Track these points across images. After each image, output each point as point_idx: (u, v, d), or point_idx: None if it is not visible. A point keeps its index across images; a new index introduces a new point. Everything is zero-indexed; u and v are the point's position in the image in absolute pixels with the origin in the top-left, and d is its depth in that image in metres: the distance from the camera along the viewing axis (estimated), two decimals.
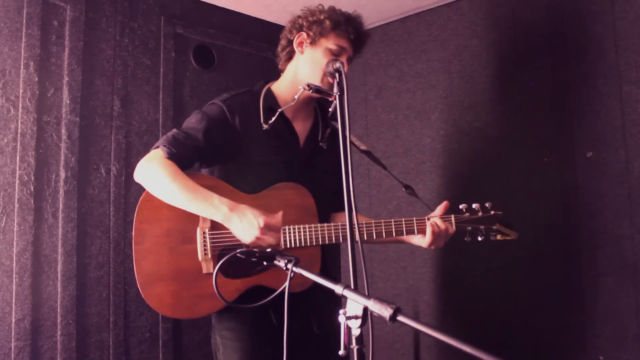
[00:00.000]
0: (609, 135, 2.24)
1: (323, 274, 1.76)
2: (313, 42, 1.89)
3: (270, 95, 1.95)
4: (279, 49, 2.03)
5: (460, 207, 1.92)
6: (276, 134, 1.89)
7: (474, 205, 1.94)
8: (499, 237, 1.97)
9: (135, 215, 1.78)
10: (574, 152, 2.33)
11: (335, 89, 1.62)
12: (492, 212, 1.94)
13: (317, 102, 2.03)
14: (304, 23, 1.91)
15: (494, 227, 1.94)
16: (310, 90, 1.77)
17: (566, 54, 2.38)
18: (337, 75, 1.66)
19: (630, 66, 2.19)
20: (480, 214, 1.94)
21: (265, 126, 1.86)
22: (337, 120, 2.03)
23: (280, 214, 1.70)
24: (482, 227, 1.94)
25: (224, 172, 1.88)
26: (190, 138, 1.78)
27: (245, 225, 1.66)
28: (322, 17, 1.88)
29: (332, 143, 1.99)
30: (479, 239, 1.95)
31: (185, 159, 1.77)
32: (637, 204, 2.15)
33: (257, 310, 1.73)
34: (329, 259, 1.93)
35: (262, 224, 1.63)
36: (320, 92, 1.78)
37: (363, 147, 2.00)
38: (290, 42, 1.97)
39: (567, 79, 2.37)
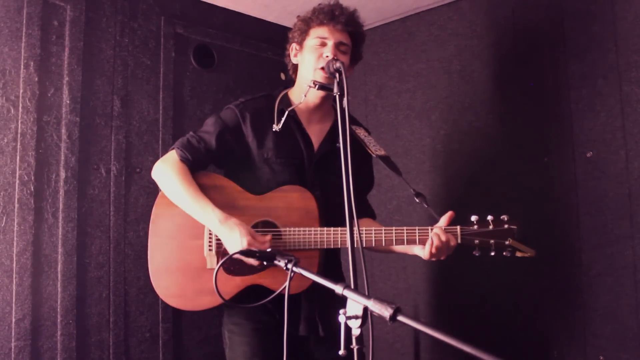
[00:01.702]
0: (609, 135, 2.24)
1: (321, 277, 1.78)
2: (301, 47, 1.97)
3: (285, 98, 2.00)
4: (287, 64, 2.09)
5: (472, 218, 1.79)
6: (287, 137, 1.93)
7: (488, 217, 1.78)
8: (518, 254, 1.78)
9: (152, 210, 1.92)
10: (574, 152, 2.33)
11: (335, 89, 1.63)
12: (506, 226, 1.77)
13: (335, 103, 2.03)
14: (291, 35, 2.01)
15: (506, 243, 1.76)
16: (316, 87, 1.80)
17: (566, 54, 2.38)
18: (337, 75, 1.67)
19: (630, 66, 2.19)
20: (491, 227, 1.77)
21: (276, 128, 1.90)
22: (356, 124, 2.06)
23: (267, 238, 1.78)
24: (492, 241, 1.77)
25: (235, 173, 1.96)
26: (204, 141, 1.90)
27: (231, 240, 1.75)
28: (299, 23, 1.97)
29: (351, 147, 1.96)
30: (492, 254, 1.78)
31: (198, 161, 1.89)
32: (637, 204, 2.15)
33: (262, 308, 1.82)
34: (329, 263, 1.91)
35: (245, 245, 1.72)
36: (325, 88, 1.81)
37: (379, 152, 1.95)
38: (289, 56, 2.05)
39: (567, 79, 2.37)
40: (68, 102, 2.36)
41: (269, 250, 1.47)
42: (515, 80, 2.55)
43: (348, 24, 1.91)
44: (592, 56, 2.30)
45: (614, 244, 2.20)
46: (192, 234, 1.87)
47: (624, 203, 2.18)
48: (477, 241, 1.77)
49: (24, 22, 2.27)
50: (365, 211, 2.08)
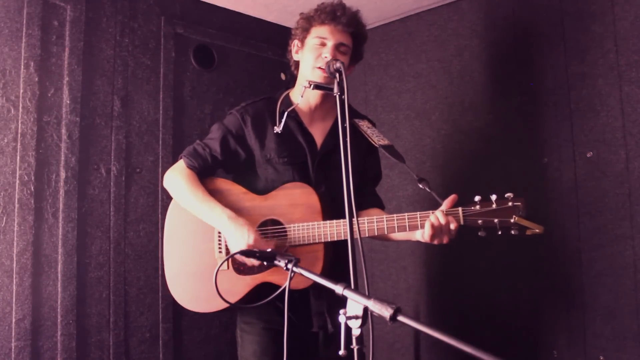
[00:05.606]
0: (609, 135, 2.24)
1: (327, 271, 1.79)
2: (302, 45, 1.99)
3: (287, 100, 2.01)
4: (289, 60, 2.09)
5: (475, 198, 1.74)
6: (289, 137, 1.95)
7: (492, 196, 1.73)
8: (527, 232, 1.71)
9: (166, 217, 2.00)
10: (574, 152, 2.33)
11: (336, 89, 1.63)
12: (511, 204, 1.71)
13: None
14: (294, 32, 2.02)
15: (512, 221, 1.70)
16: (311, 87, 1.80)
17: (566, 54, 2.38)
18: (337, 75, 1.67)
19: (630, 66, 2.19)
20: (494, 206, 1.71)
21: (277, 129, 1.91)
22: (359, 117, 2.07)
23: (272, 243, 1.82)
24: (497, 220, 1.71)
25: (242, 176, 2.00)
26: (209, 147, 1.95)
27: (237, 236, 1.78)
28: (301, 21, 1.98)
29: (354, 140, 1.94)
30: (498, 233, 1.73)
31: (204, 168, 1.95)
32: (637, 204, 2.15)
33: (274, 308, 1.84)
34: (340, 256, 1.91)
35: (251, 241, 1.76)
36: (321, 88, 1.81)
37: (382, 142, 1.97)
38: (291, 52, 2.06)
39: (567, 79, 2.37)
40: (68, 102, 2.36)
41: (269, 250, 1.48)
42: (515, 80, 2.55)
43: (349, 25, 1.92)
44: (592, 56, 2.30)
45: (614, 244, 2.20)
46: (203, 237, 1.92)
47: (624, 203, 2.18)
48: (480, 221, 1.72)
49: (24, 22, 2.27)
50: (373, 202, 2.09)
